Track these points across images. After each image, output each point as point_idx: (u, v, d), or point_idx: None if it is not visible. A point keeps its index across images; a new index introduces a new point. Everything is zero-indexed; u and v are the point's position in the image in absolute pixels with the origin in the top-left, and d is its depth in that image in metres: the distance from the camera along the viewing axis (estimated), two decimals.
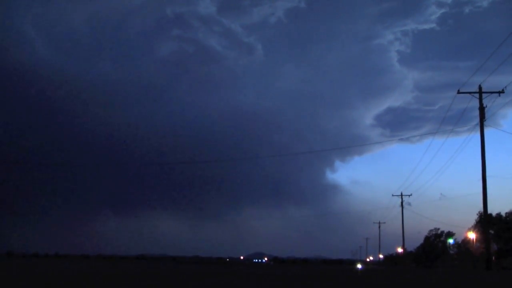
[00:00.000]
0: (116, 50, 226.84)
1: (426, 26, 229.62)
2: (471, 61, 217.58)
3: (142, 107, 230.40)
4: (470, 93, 35.47)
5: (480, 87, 35.13)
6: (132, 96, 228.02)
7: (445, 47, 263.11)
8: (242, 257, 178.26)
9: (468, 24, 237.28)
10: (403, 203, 72.91)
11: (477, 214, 58.05)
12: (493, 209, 58.00)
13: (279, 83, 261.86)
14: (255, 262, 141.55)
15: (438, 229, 78.44)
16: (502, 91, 34.62)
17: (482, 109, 34.79)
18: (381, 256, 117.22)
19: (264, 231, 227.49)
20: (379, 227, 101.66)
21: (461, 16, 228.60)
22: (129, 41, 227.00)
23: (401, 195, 73.66)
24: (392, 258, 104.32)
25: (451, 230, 76.70)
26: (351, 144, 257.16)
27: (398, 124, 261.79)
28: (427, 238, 79.95)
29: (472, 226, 59.80)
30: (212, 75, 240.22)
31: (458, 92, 35.73)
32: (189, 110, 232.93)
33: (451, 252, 75.37)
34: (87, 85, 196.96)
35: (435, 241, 78.29)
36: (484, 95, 35.02)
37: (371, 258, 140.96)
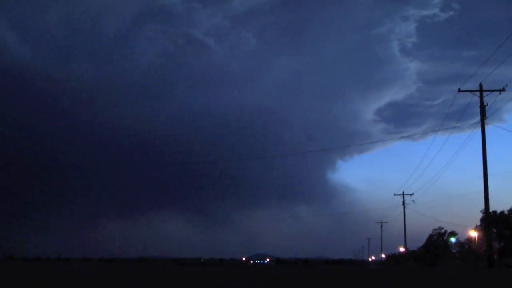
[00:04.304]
0: (94, 48, 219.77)
1: (428, 12, 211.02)
2: (475, 51, 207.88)
3: (142, 105, 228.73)
4: (471, 91, 35.52)
5: (480, 86, 35.14)
6: (132, 94, 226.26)
7: (449, 35, 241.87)
8: (244, 258, 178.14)
9: (474, 9, 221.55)
10: (408, 201, 73.19)
11: (481, 212, 58.05)
12: (500, 208, 57.97)
13: (274, 75, 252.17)
14: (257, 263, 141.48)
15: (442, 228, 78.38)
16: (503, 89, 34.57)
17: (482, 107, 34.79)
18: (383, 255, 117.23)
19: (266, 232, 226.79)
20: (381, 226, 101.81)
21: (467, 0, 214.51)
22: (109, 36, 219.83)
23: (403, 194, 73.80)
24: (394, 258, 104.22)
25: (455, 229, 76.62)
26: (351, 142, 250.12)
27: (400, 119, 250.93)
28: (430, 237, 79.88)
29: (477, 225, 59.78)
30: (204, 70, 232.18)
31: (459, 91, 35.83)
32: (187, 109, 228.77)
33: (454, 251, 75.31)
34: (86, 84, 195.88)
35: (438, 240, 78.22)
36: (485, 93, 35.10)
37: (373, 258, 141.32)
